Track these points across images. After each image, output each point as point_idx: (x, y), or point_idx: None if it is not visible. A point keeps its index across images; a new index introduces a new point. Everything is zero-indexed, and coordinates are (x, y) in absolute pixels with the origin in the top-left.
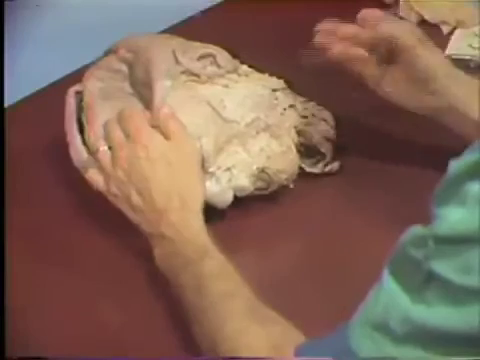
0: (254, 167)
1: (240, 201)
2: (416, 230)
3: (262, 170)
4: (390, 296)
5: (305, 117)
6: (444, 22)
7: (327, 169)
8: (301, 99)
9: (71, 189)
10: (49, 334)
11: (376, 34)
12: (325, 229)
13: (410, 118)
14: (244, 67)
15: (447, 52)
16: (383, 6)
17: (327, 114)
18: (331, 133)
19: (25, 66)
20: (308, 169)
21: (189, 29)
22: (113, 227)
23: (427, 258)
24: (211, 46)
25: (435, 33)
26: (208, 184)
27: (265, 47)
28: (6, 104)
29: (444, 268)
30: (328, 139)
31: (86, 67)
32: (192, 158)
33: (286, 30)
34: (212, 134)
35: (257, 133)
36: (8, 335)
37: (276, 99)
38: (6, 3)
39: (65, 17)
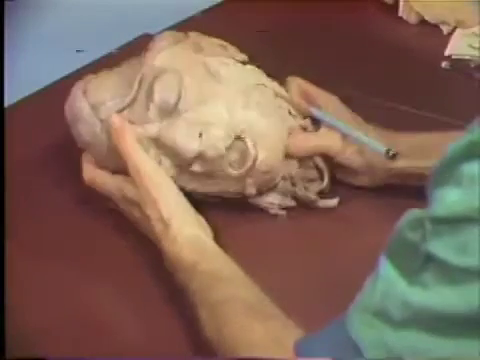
0: (232, 132)
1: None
2: (413, 213)
3: (240, 137)
4: (387, 282)
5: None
6: (444, 22)
7: (322, 203)
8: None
9: (71, 189)
10: (49, 334)
11: (306, 152)
12: (332, 241)
13: (412, 117)
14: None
15: (447, 52)
16: (383, 6)
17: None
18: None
19: (25, 66)
20: (301, 195)
21: (189, 29)
22: (115, 226)
23: (424, 240)
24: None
25: (435, 33)
26: (177, 125)
27: (265, 47)
28: (6, 104)
29: (441, 249)
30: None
31: (86, 67)
32: (153, 176)
33: (286, 30)
34: (197, 79)
35: (246, 106)
36: (8, 335)
37: (277, 99)
38: (6, 3)
39: (65, 17)
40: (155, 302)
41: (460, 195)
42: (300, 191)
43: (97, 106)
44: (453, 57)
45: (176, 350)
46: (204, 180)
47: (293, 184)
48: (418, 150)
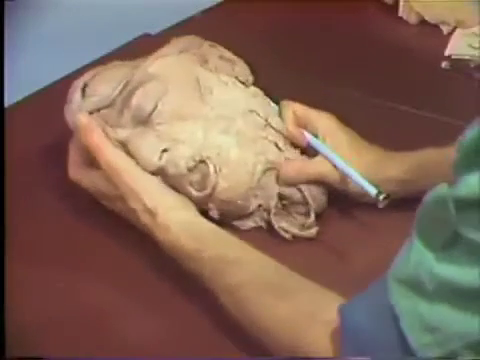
0: (198, 154)
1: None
2: (439, 190)
3: (205, 162)
4: (418, 254)
5: None
6: (444, 22)
7: (304, 232)
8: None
9: (71, 189)
10: (49, 334)
11: (300, 180)
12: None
13: (412, 117)
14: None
15: (447, 52)
16: (383, 6)
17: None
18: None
19: (25, 66)
20: (279, 227)
21: (189, 29)
22: (115, 225)
23: (450, 219)
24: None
25: (435, 33)
26: (146, 136)
27: (265, 47)
28: (6, 104)
29: (467, 229)
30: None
31: (86, 67)
32: (127, 168)
33: (286, 30)
34: (183, 94)
35: (224, 132)
36: (8, 334)
37: (265, 129)
38: (6, 3)
39: (65, 17)
40: (154, 300)
41: None
42: (278, 224)
43: (86, 98)
44: (453, 57)
45: (175, 348)
46: None
47: (268, 214)
48: (416, 171)
